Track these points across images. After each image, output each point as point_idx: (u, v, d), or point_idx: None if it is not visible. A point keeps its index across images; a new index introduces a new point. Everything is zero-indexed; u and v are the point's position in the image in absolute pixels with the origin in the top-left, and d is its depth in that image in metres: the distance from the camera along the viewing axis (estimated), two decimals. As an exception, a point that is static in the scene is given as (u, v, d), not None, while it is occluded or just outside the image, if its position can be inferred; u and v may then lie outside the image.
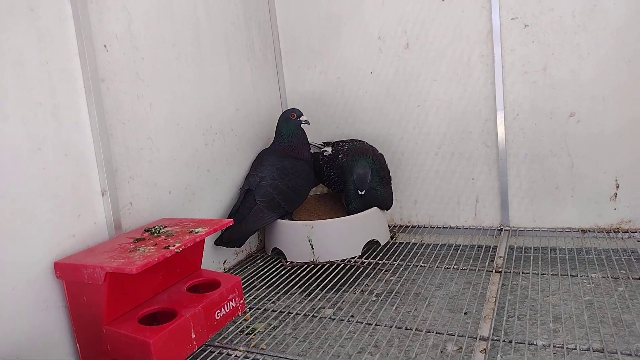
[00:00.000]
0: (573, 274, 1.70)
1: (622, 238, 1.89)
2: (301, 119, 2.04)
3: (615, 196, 1.92)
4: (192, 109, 1.80)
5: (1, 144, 1.16)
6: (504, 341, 1.30)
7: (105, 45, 1.45)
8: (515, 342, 1.30)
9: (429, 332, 1.40)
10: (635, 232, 1.89)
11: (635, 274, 1.64)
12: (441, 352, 1.33)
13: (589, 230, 1.96)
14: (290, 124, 2.04)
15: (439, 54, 2.08)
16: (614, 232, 1.92)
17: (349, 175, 2.01)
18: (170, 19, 1.71)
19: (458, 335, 1.36)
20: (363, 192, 1.95)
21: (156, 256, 1.18)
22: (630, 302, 1.49)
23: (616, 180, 1.90)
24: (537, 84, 1.95)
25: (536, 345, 1.28)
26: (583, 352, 1.24)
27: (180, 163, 1.73)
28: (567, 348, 1.25)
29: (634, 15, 1.77)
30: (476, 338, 1.29)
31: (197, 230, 1.38)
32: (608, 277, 1.65)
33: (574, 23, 1.86)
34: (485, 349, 1.23)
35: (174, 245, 1.25)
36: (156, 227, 1.43)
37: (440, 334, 1.38)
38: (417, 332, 1.41)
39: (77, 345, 1.29)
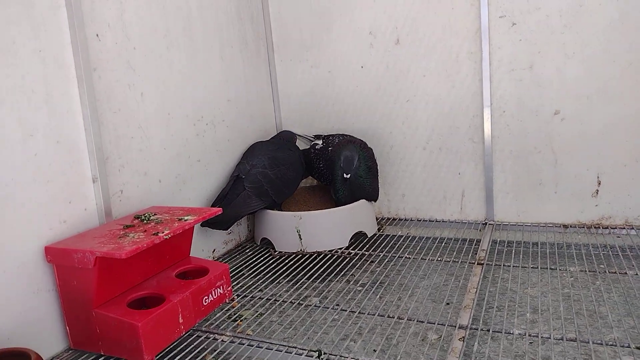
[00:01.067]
0: (553, 267, 1.75)
1: (602, 234, 1.94)
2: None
3: (597, 193, 1.97)
4: (184, 99, 1.83)
5: (-6, 130, 1.18)
6: (482, 330, 1.35)
7: (97, 35, 1.47)
8: (492, 331, 1.35)
9: (410, 320, 1.44)
10: (615, 228, 1.94)
11: (612, 269, 1.69)
12: (422, 340, 1.37)
13: (571, 226, 2.01)
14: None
15: (429, 50, 2.12)
16: (595, 227, 1.97)
17: (337, 161, 2.03)
18: (163, 9, 1.73)
19: (438, 324, 1.40)
20: (348, 176, 1.96)
21: (145, 242, 1.21)
22: (606, 295, 1.55)
23: (598, 177, 1.95)
24: (523, 81, 1.99)
25: (512, 334, 1.33)
26: (557, 342, 1.28)
27: (171, 152, 1.76)
28: (542, 337, 1.30)
29: (620, 16, 1.81)
30: (455, 327, 1.34)
31: (186, 218, 1.40)
32: (586, 271, 1.70)
33: (560, 23, 1.89)
34: (463, 337, 1.27)
35: (163, 232, 1.28)
36: (146, 214, 1.46)
37: (421, 322, 1.43)
38: (399, 320, 1.45)
39: (67, 328, 1.32)
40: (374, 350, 1.32)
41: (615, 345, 1.25)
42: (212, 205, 1.94)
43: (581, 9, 1.86)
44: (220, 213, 1.51)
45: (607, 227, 1.95)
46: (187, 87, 1.84)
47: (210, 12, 1.97)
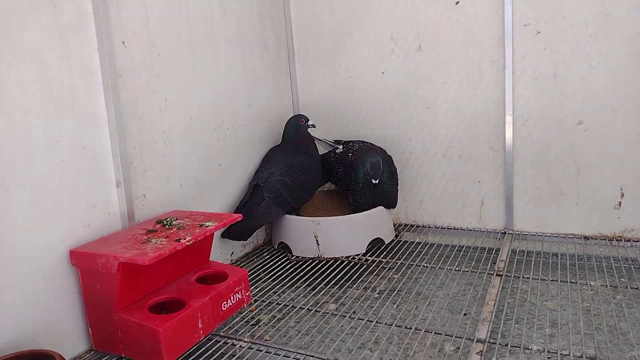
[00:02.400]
0: (573, 280, 1.73)
1: (624, 246, 1.91)
2: (308, 123, 2.14)
3: (620, 205, 1.94)
4: (206, 104, 1.85)
5: (21, 137, 1.21)
6: (500, 344, 1.34)
7: (123, 42, 1.50)
8: (511, 346, 1.34)
9: (427, 332, 1.44)
10: (638, 241, 1.91)
11: (634, 283, 1.67)
12: (439, 351, 1.37)
13: (592, 238, 1.98)
14: (299, 129, 2.14)
15: (451, 57, 2.10)
16: (617, 240, 1.94)
17: (360, 167, 2.02)
18: (186, 15, 1.75)
19: (456, 337, 1.40)
20: (377, 181, 1.94)
21: (167, 249, 1.23)
22: (627, 311, 1.53)
23: (621, 190, 1.92)
24: (546, 90, 1.97)
25: (531, 349, 1.32)
26: (576, 359, 1.27)
27: (192, 157, 1.78)
28: (561, 354, 1.28)
29: (647, 26, 1.78)
30: (473, 340, 1.33)
31: (206, 224, 1.42)
32: (607, 285, 1.68)
33: (586, 32, 1.87)
34: (481, 351, 1.27)
35: (185, 239, 1.30)
36: (167, 219, 1.48)
37: (439, 334, 1.42)
38: (417, 331, 1.45)
39: (89, 329, 1.35)
40: (391, 361, 1.32)
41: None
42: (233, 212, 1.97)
43: (607, 19, 1.83)
44: (240, 220, 1.53)
45: (629, 240, 1.92)
46: (209, 93, 1.86)
47: (232, 18, 1.98)
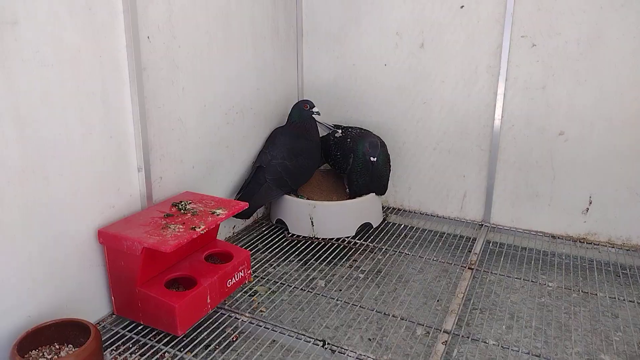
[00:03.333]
0: (535, 276, 1.96)
1: (586, 248, 2.14)
2: (313, 110, 2.23)
3: (587, 210, 2.15)
4: (218, 91, 1.98)
5: (60, 130, 1.36)
6: (462, 336, 1.58)
7: (148, 37, 1.61)
8: (471, 339, 1.57)
9: (402, 319, 1.66)
10: (598, 244, 2.13)
11: (587, 286, 1.90)
12: (412, 334, 1.60)
13: (559, 237, 2.20)
14: (303, 113, 2.23)
15: (451, 58, 2.23)
16: (580, 242, 2.16)
17: (360, 147, 2.17)
18: (205, 6, 1.84)
19: (426, 326, 1.62)
20: (375, 159, 2.08)
21: (185, 237, 1.41)
22: (578, 309, 1.76)
23: (590, 197, 2.13)
24: (534, 100, 2.12)
25: (487, 343, 1.55)
26: (524, 354, 1.51)
27: (204, 141, 1.93)
28: (512, 350, 1.51)
29: (634, 52, 1.92)
30: (441, 330, 1.56)
31: (217, 212, 1.60)
32: (564, 284, 1.91)
33: (577, 50, 2.00)
34: (446, 341, 1.50)
35: (199, 227, 1.48)
36: (182, 202, 1.65)
37: (412, 322, 1.65)
38: (394, 317, 1.68)
39: (112, 297, 1.55)
40: (369, 339, 1.56)
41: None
42: (237, 193, 2.15)
43: (598, 40, 1.96)
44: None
45: (591, 243, 2.15)
46: (221, 79, 1.99)
47: (247, 4, 2.07)
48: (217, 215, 1.59)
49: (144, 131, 1.61)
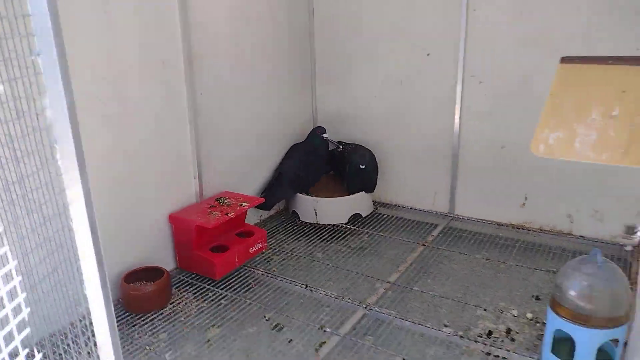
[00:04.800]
0: (479, 252, 2.66)
1: (522, 232, 2.82)
2: (323, 135, 3.08)
3: (524, 204, 2.83)
4: (257, 119, 2.86)
5: (149, 150, 2.27)
6: (399, 285, 2.34)
7: (201, 93, 2.49)
8: (404, 287, 2.33)
9: (368, 276, 2.45)
10: (531, 230, 2.81)
11: (517, 258, 2.58)
12: (370, 285, 2.38)
13: (504, 225, 2.89)
14: (316, 137, 3.08)
15: (423, 91, 2.97)
16: (518, 228, 2.85)
17: (354, 157, 3.00)
18: (251, 69, 2.71)
19: (380, 280, 2.40)
20: (364, 166, 2.94)
21: (222, 220, 2.28)
22: (501, 275, 2.45)
23: (525, 195, 2.81)
24: (483, 122, 2.82)
25: (417, 290, 2.31)
26: (448, 299, 2.25)
27: (241, 156, 2.80)
28: (440, 297, 2.26)
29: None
30: (386, 281, 2.34)
31: (243, 204, 2.47)
32: (498, 258, 2.60)
33: (515, 86, 2.68)
34: (387, 288, 2.28)
35: (230, 213, 2.35)
36: (221, 198, 2.53)
37: (372, 277, 2.43)
38: (361, 275, 2.47)
39: (177, 257, 2.45)
40: (342, 288, 2.36)
41: (482, 308, 2.21)
42: (262, 191, 3.03)
43: (526, 85, 2.64)
44: (265, 201, 2.57)
45: (527, 229, 2.83)
46: (260, 108, 2.86)
47: (280, 53, 2.94)
48: (243, 206, 2.45)
49: (198, 149, 2.50)
